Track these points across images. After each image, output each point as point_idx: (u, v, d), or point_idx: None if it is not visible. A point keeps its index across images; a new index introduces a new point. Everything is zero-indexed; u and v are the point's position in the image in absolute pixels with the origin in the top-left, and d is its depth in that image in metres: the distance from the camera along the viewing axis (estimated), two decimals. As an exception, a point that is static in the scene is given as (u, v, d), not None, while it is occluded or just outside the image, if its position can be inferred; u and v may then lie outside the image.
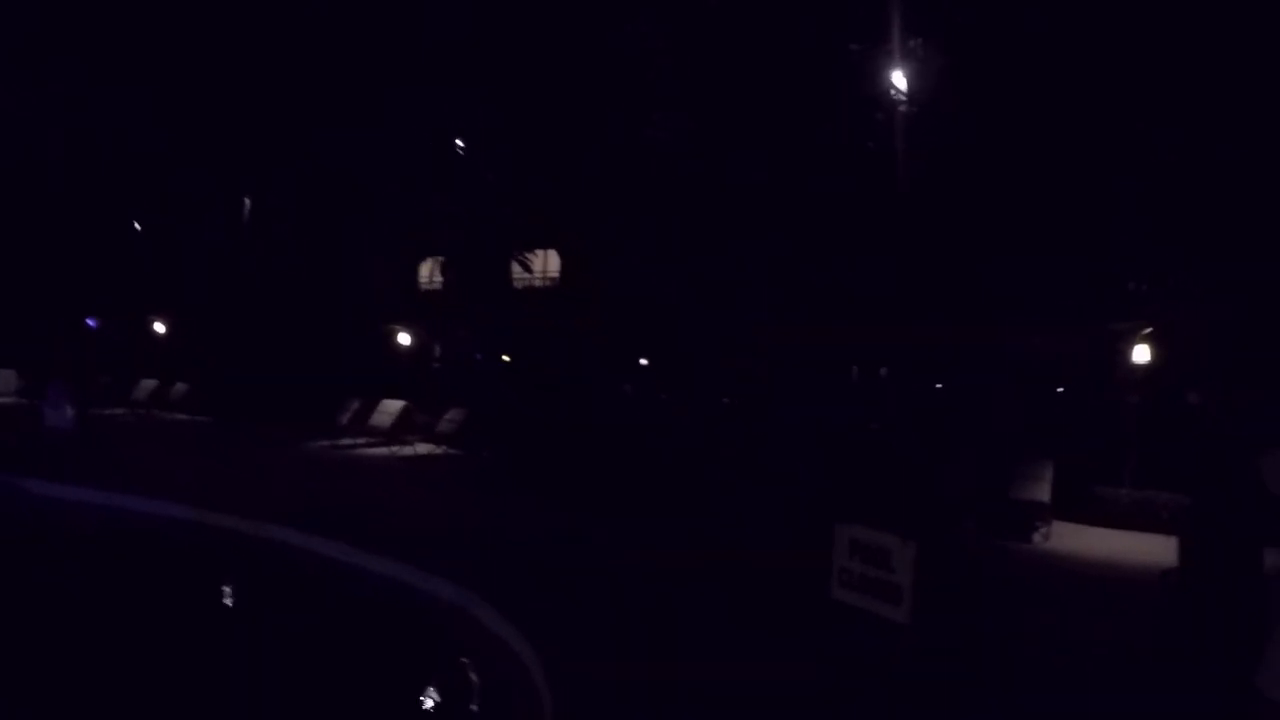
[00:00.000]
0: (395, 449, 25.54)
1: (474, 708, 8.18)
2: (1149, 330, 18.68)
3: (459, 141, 33.95)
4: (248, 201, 39.48)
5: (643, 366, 30.57)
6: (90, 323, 44.09)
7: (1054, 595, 12.84)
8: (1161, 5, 19.73)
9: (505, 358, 33.88)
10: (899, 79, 23.29)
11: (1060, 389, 22.41)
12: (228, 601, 12.37)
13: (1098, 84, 20.42)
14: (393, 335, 31.03)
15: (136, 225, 42.84)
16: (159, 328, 38.84)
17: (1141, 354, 18.63)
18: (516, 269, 34.10)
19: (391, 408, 27.16)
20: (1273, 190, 18.52)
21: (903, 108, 23.12)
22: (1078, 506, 18.72)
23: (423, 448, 25.60)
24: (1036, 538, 16.75)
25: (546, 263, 35.48)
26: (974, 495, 17.89)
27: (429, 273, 37.14)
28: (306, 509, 15.85)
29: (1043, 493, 17.36)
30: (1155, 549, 15.15)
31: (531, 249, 33.73)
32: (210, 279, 38.40)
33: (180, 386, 34.33)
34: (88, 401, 34.45)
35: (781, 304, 24.00)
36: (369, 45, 32.24)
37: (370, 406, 27.69)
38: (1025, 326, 21.54)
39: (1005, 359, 22.60)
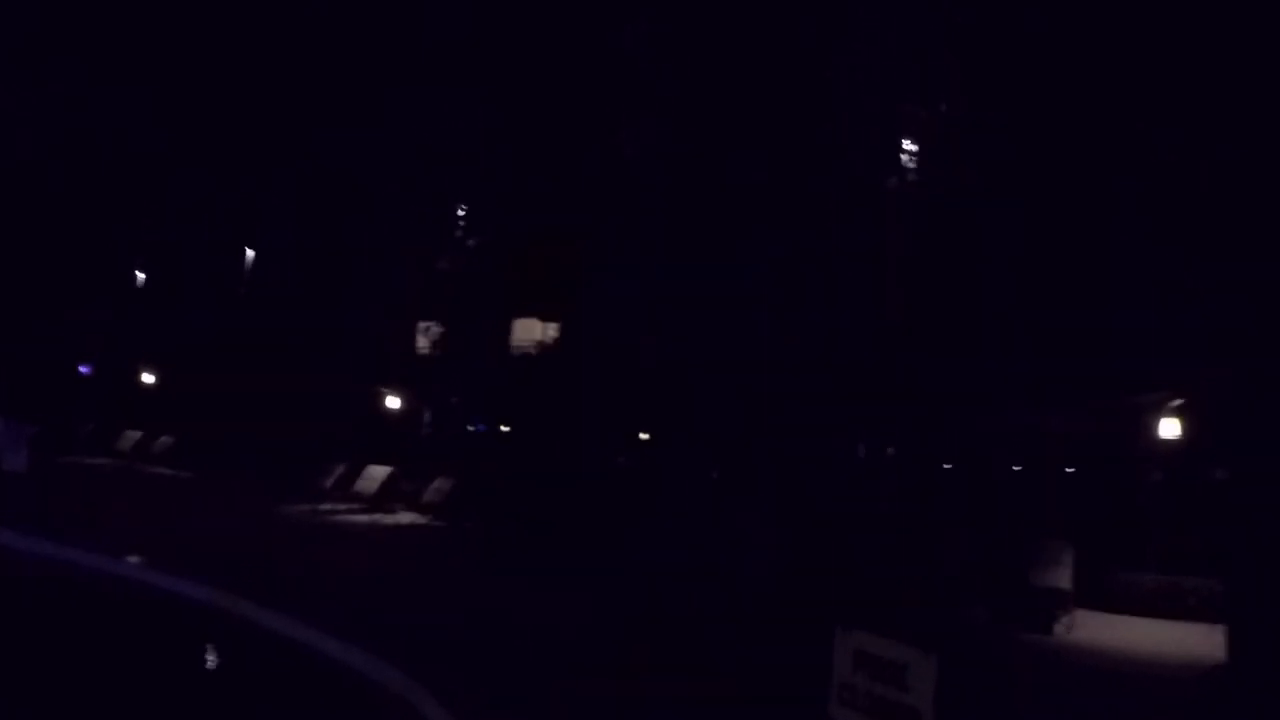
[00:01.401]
0: (378, 517, 24.33)
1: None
2: (1177, 402, 17.48)
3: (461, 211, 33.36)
4: (250, 252, 38.65)
5: (642, 440, 29.32)
6: (84, 370, 43.09)
7: (1091, 703, 11.34)
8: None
9: (503, 427, 32.64)
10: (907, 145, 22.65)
11: (1071, 469, 21.07)
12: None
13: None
14: (381, 398, 29.87)
15: (139, 275, 41.96)
16: (147, 378, 37.68)
17: (1169, 428, 17.40)
18: (515, 333, 33.07)
19: (377, 474, 26.06)
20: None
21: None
22: (1098, 593, 17.40)
23: (406, 516, 24.41)
24: (1058, 629, 15.44)
25: (544, 331, 34.36)
26: (984, 579, 16.64)
27: (427, 338, 36.11)
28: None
29: (1063, 579, 16.07)
30: (1190, 639, 13.99)
31: (529, 312, 32.67)
32: (203, 329, 37.36)
33: (165, 439, 33.29)
34: (44, 446, 33.48)
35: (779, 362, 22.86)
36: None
37: (356, 471, 26.59)
38: (1041, 401, 20.39)
39: (1014, 435, 21.40)
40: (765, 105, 23.50)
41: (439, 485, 24.94)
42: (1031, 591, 15.99)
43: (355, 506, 25.41)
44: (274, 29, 34.45)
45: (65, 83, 36.92)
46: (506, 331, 32.46)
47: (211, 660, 11.39)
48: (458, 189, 32.25)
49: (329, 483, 26.55)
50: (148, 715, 9.43)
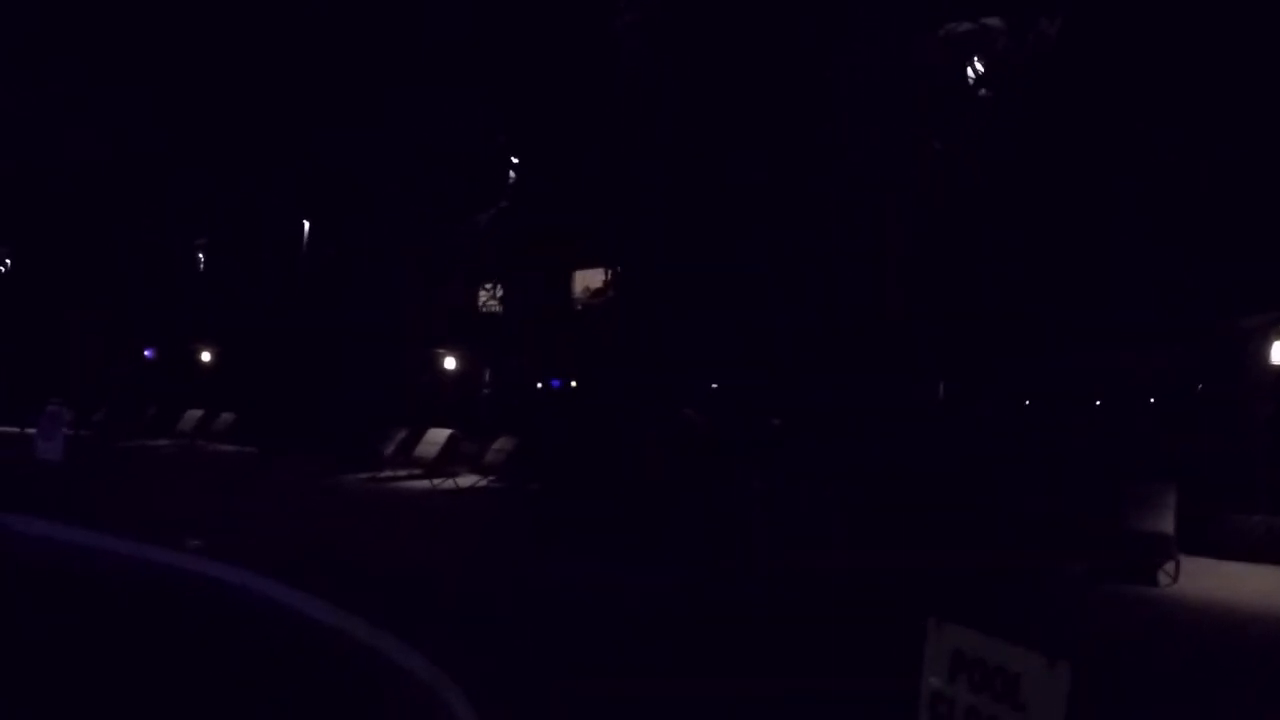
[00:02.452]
0: (437, 482, 23.58)
1: None
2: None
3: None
4: (306, 225, 38.04)
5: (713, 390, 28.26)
6: (148, 353, 43.06)
7: (1214, 670, 10.04)
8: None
9: (572, 383, 31.78)
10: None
11: (1168, 404, 19.65)
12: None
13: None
14: (440, 360, 29.11)
15: (200, 257, 41.77)
16: (205, 356, 37.44)
17: (1280, 353, 15.94)
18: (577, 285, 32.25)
19: (437, 437, 25.27)
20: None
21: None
22: (1202, 538, 16.12)
23: (466, 480, 23.63)
24: (1162, 578, 14.19)
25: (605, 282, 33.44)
26: (1078, 529, 15.37)
27: (487, 295, 35.34)
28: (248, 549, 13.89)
29: (1166, 523, 14.78)
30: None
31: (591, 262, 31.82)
32: (257, 303, 36.96)
33: (226, 416, 32.90)
34: (108, 432, 33.52)
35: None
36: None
37: (416, 436, 25.84)
38: (1138, 335, 19.03)
39: (1105, 371, 20.03)
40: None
41: (500, 445, 24.12)
42: (1131, 539, 14.75)
43: (416, 472, 24.68)
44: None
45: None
46: (568, 284, 31.62)
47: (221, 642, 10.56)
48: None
49: (390, 449, 25.85)
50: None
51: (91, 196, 39.85)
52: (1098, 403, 20.27)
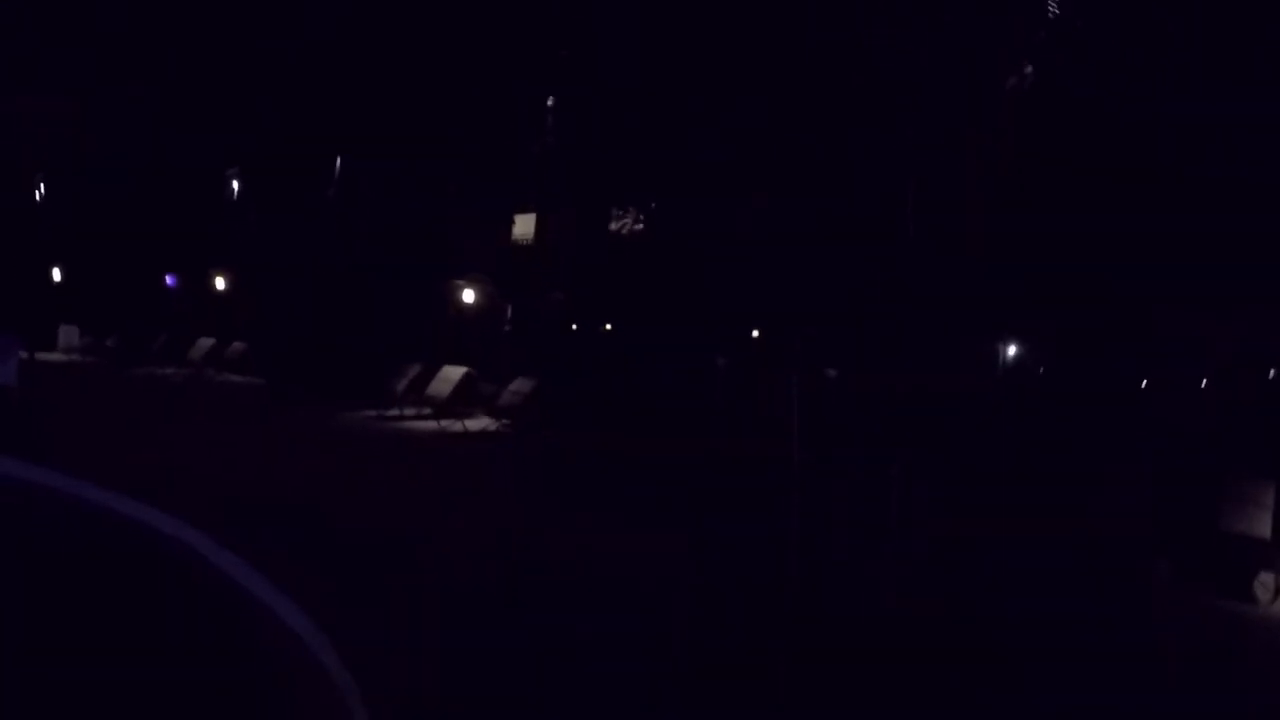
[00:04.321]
0: (447, 424, 21.61)
1: None
2: None
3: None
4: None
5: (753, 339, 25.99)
6: (170, 280, 41.52)
7: None
8: None
9: (607, 326, 29.62)
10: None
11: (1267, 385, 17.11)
12: None
13: None
14: (458, 292, 27.08)
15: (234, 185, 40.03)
16: (219, 283, 35.72)
17: None
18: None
19: (452, 375, 23.30)
20: None
21: None
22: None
23: (477, 423, 21.59)
24: (1259, 591, 11.87)
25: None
26: (1165, 527, 13.08)
27: (521, 227, 33.28)
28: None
29: (1262, 526, 12.48)
30: None
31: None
32: (283, 235, 35.15)
33: (237, 346, 31.23)
34: (119, 357, 32.07)
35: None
36: None
37: (429, 374, 23.88)
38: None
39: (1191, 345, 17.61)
40: None
41: (517, 387, 22.06)
42: (1225, 540, 12.49)
43: (427, 411, 22.75)
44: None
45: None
46: (605, 216, 29.39)
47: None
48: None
49: (401, 386, 23.91)
50: None
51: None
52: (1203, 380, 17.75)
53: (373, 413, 23.08)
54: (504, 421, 21.52)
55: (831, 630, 8.02)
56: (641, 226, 28.29)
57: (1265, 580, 11.92)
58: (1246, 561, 12.13)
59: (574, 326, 29.65)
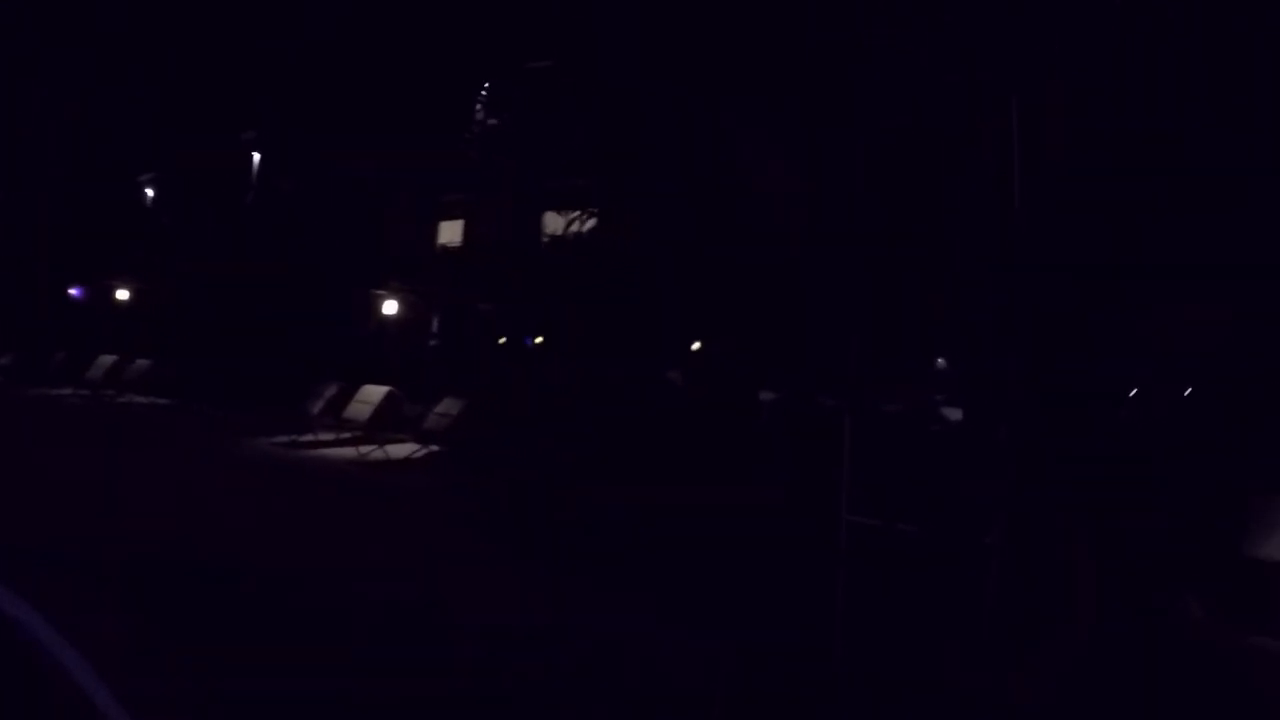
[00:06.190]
0: (366, 450, 19.50)
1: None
2: None
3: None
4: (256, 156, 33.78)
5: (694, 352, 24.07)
6: (76, 293, 38.77)
7: None
8: None
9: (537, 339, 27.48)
10: None
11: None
12: None
13: None
14: (379, 303, 24.91)
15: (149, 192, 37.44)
16: (122, 295, 33.14)
17: None
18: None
19: (371, 396, 21.18)
20: None
21: None
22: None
23: (400, 449, 19.51)
24: None
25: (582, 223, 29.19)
26: (1188, 553, 11.48)
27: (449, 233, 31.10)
28: None
29: None
30: None
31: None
32: (196, 243, 32.72)
33: (140, 364, 28.73)
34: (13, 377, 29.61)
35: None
36: None
37: (348, 394, 21.76)
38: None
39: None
40: None
41: (445, 408, 20.00)
42: (1252, 568, 10.90)
43: (345, 436, 20.61)
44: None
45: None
46: (536, 221, 27.34)
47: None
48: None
49: (317, 408, 21.75)
50: None
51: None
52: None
53: (285, 438, 20.87)
54: (431, 447, 19.48)
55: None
56: (593, 225, 26.30)
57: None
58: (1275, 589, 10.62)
59: (502, 340, 27.54)
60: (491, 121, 29.12)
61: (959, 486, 10.76)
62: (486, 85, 29.62)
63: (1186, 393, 15.52)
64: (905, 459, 11.39)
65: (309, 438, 20.87)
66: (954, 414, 15.05)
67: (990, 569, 8.59)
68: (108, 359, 29.24)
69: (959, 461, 11.68)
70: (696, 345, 23.23)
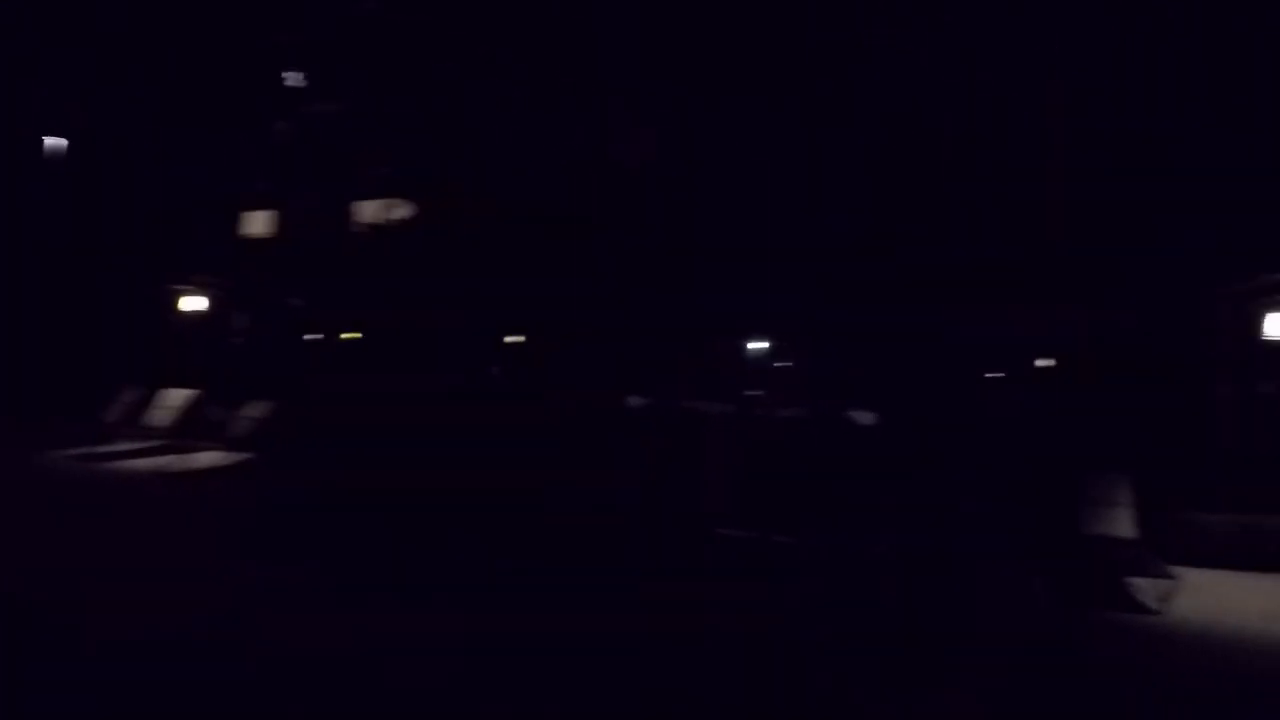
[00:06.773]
0: (167, 460, 18.28)
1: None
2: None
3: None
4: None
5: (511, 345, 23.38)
6: None
7: None
8: None
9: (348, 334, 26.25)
10: None
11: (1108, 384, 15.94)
12: None
13: None
14: (176, 298, 23.43)
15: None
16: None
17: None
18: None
19: (174, 400, 20.02)
20: None
21: None
22: (1153, 541, 12.67)
23: (206, 457, 18.38)
24: (1148, 600, 10.65)
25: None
26: (1028, 536, 11.75)
27: (257, 227, 29.53)
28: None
29: (1125, 526, 11.51)
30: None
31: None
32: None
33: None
34: None
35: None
36: None
37: (148, 398, 20.44)
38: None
39: (1016, 343, 16.40)
40: None
41: (251, 412, 18.99)
42: (1092, 545, 11.38)
43: (146, 445, 19.32)
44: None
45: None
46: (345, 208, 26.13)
47: None
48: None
49: (114, 416, 20.39)
50: None
51: None
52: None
53: (79, 450, 19.38)
54: (239, 454, 18.38)
55: None
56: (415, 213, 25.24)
57: (1143, 585, 10.77)
58: (1122, 564, 11.08)
59: (306, 336, 26.23)
60: (304, 109, 28.05)
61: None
62: (290, 75, 28.56)
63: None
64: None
65: (105, 449, 19.44)
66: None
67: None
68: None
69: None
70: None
